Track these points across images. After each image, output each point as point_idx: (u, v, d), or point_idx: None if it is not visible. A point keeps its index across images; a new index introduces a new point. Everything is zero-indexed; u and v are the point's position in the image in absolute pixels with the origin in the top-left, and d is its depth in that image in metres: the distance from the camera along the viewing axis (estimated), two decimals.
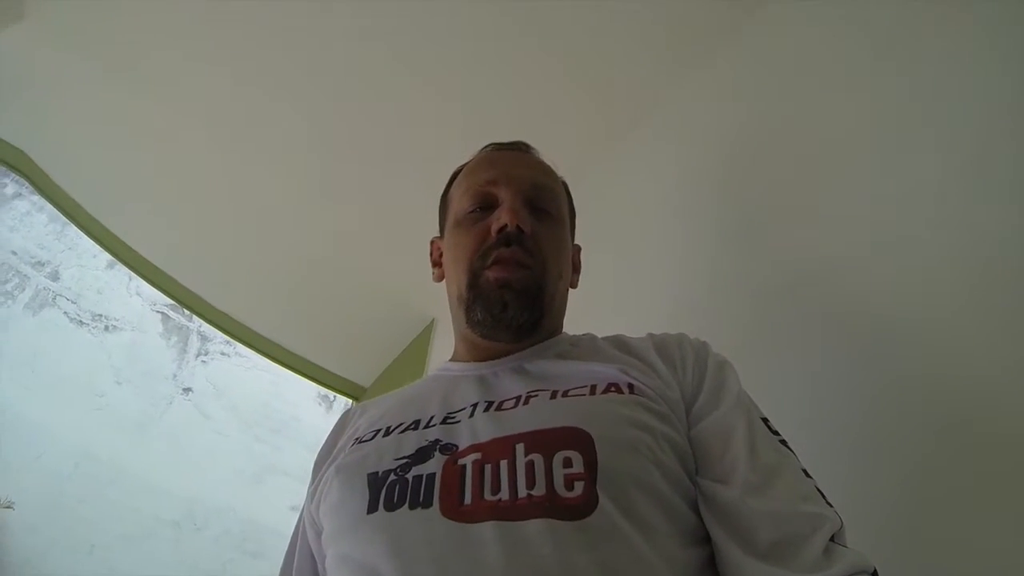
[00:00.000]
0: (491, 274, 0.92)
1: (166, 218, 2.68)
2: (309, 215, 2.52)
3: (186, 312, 4.15)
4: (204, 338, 5.66)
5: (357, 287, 2.81)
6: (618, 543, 0.66)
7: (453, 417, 0.84)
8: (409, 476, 0.75)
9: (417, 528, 0.69)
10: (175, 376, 5.60)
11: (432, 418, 0.86)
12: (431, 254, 1.16)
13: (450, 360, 1.05)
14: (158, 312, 5.60)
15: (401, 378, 2.98)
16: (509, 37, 1.85)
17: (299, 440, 5.79)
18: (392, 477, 0.76)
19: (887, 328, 1.06)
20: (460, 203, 1.04)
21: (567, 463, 0.71)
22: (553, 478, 0.70)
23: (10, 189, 5.56)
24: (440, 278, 1.11)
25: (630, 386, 0.83)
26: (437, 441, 0.79)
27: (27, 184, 2.68)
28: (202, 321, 3.33)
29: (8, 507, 4.69)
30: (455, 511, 0.69)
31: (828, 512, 0.70)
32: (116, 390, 5.36)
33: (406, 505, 0.72)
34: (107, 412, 5.26)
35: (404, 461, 0.78)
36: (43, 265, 5.49)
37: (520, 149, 1.12)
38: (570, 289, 1.09)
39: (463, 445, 0.77)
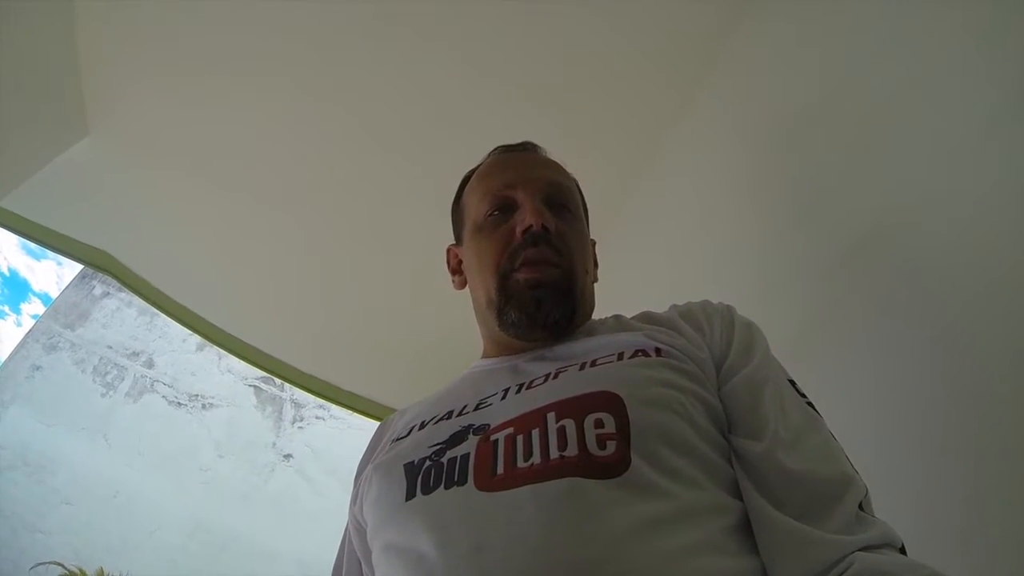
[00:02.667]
0: (521, 276, 0.93)
1: (246, 293, 2.79)
2: (383, 269, 2.60)
3: (277, 382, 4.28)
4: (297, 405, 5.81)
5: (434, 334, 2.86)
6: (657, 498, 0.66)
7: (486, 402, 0.86)
8: (444, 460, 0.77)
9: (453, 505, 0.71)
10: (274, 444, 5.75)
11: (465, 407, 0.88)
12: (448, 263, 1.15)
13: (480, 359, 1.04)
14: (250, 386, 5.80)
15: None
16: (545, 54, 1.85)
17: None
18: (427, 463, 0.78)
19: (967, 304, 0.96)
20: (478, 208, 1.04)
21: (599, 424, 0.71)
22: (586, 439, 0.70)
23: (98, 290, 5.90)
24: (461, 286, 1.12)
25: (657, 350, 0.84)
26: (470, 425, 0.81)
27: (114, 282, 2.84)
28: (293, 389, 3.43)
29: None
30: (488, 483, 0.70)
31: (856, 477, 0.70)
32: (219, 463, 5.55)
33: (442, 486, 0.73)
34: (213, 485, 5.45)
35: (438, 447, 0.79)
36: (138, 355, 5.78)
37: (529, 149, 1.12)
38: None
39: (495, 423, 0.79)
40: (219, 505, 5.36)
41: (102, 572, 4.70)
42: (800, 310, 1.24)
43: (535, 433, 0.72)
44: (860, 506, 0.66)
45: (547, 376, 0.85)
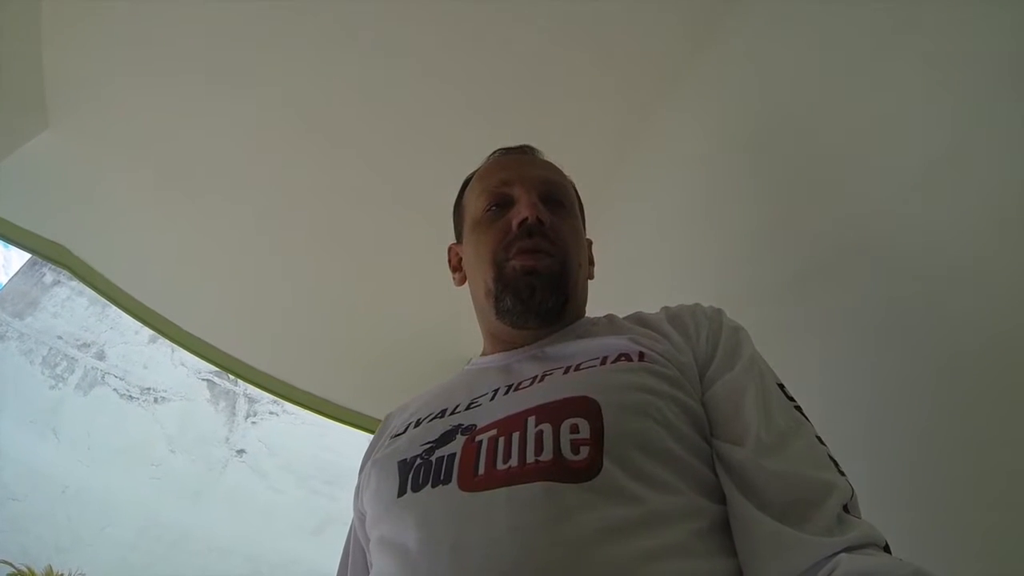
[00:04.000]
0: (516, 263, 0.96)
1: (202, 289, 2.78)
2: (341, 269, 2.61)
3: (231, 376, 4.25)
4: (251, 400, 5.76)
5: (397, 334, 2.87)
6: (625, 502, 0.67)
7: (476, 402, 0.89)
8: (432, 458, 0.80)
9: (438, 504, 0.74)
10: (227, 439, 5.70)
11: (458, 406, 0.91)
12: (449, 260, 1.17)
13: (479, 356, 1.07)
14: (204, 380, 5.73)
15: None
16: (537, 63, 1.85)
17: (354, 488, 5.83)
18: (418, 461, 0.81)
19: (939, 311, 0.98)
20: (476, 205, 1.07)
21: (574, 429, 0.73)
22: (560, 444, 0.71)
23: (48, 277, 5.77)
24: (461, 282, 1.14)
25: (640, 354, 0.85)
26: (459, 425, 0.84)
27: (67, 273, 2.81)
28: (247, 384, 3.42)
29: None
30: (470, 483, 0.73)
31: (840, 481, 0.69)
32: (171, 458, 5.48)
33: (429, 484, 0.76)
34: (165, 480, 5.38)
35: (429, 445, 0.83)
36: (89, 346, 5.67)
37: (526, 151, 1.15)
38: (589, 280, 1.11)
39: (481, 424, 0.81)
40: (171, 501, 5.30)
41: (51, 571, 4.61)
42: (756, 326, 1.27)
43: (515, 436, 0.75)
44: (846, 508, 0.66)
45: (534, 379, 0.87)
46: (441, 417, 0.88)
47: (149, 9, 1.83)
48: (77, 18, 1.87)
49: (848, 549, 0.60)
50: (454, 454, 0.76)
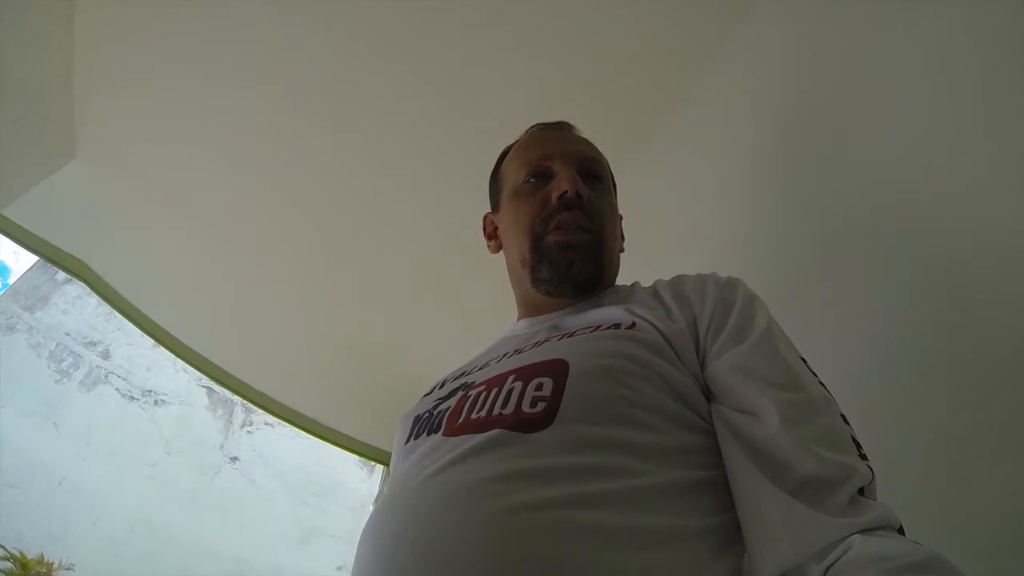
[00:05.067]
0: (553, 238, 0.98)
1: (208, 310, 2.90)
2: (337, 310, 2.74)
3: None
4: (248, 409, 5.79)
5: (382, 368, 2.99)
6: (563, 454, 0.69)
7: (488, 364, 0.96)
8: (436, 411, 0.89)
9: (426, 448, 0.79)
10: (222, 446, 5.72)
11: (475, 367, 0.99)
12: (484, 229, 1.19)
13: (516, 322, 1.12)
14: (204, 387, 5.78)
15: None
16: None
17: (343, 503, 5.79)
18: (427, 414, 0.90)
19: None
20: (516, 176, 1.09)
21: (538, 387, 0.76)
22: (523, 399, 0.75)
23: (61, 275, 5.81)
24: (496, 250, 1.16)
25: (632, 323, 0.86)
26: (464, 383, 0.92)
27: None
28: None
29: (69, 568, 4.89)
30: (451, 430, 0.78)
31: (860, 464, 0.67)
32: (167, 460, 5.52)
33: (426, 433, 0.86)
34: (159, 481, 5.43)
35: (438, 401, 0.92)
36: (95, 345, 5.72)
37: (564, 127, 1.19)
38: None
39: (478, 381, 0.86)
40: (163, 502, 5.35)
41: (42, 558, 4.70)
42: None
43: (495, 391, 0.79)
44: (862, 491, 0.64)
45: (536, 344, 0.90)
46: (459, 378, 0.97)
47: (170, 49, 1.98)
48: (102, 51, 2.01)
49: (863, 531, 0.59)
50: (449, 407, 0.84)
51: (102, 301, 3.10)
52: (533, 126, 1.20)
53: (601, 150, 1.20)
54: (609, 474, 0.68)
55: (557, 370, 0.78)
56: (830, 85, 1.43)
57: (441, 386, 1.01)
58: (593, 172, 1.06)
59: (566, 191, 0.99)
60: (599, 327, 0.89)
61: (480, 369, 0.93)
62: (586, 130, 1.25)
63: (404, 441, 0.88)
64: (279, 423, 4.87)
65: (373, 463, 3.79)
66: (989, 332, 0.88)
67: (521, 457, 0.68)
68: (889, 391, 0.87)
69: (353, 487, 5.96)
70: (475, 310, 2.40)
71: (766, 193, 1.50)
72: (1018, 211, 0.89)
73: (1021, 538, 0.74)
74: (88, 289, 2.92)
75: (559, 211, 0.97)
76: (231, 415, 5.90)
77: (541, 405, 0.73)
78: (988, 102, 1.04)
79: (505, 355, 0.93)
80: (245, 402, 3.70)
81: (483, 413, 0.76)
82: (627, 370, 0.76)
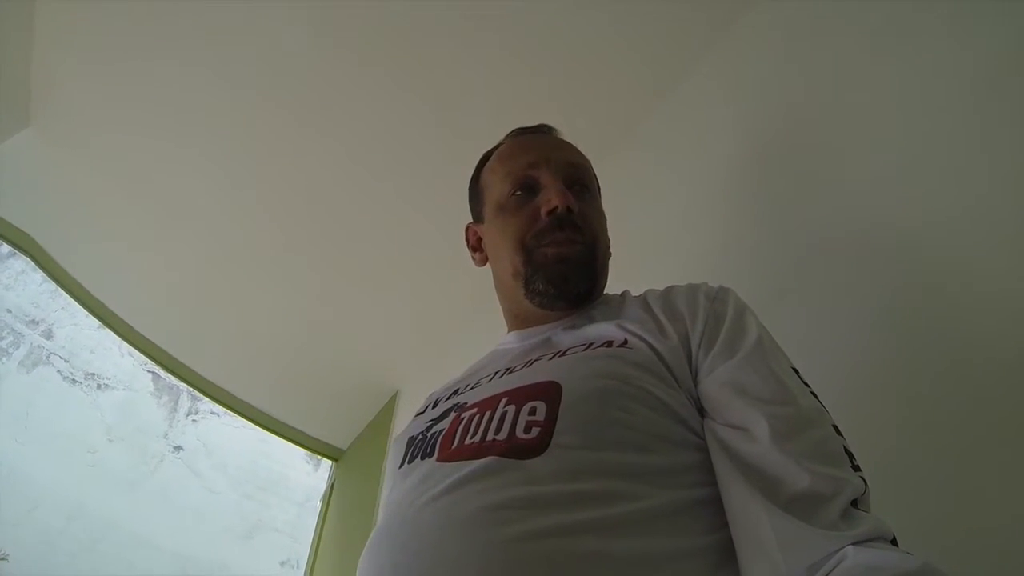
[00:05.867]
0: (549, 251, 0.99)
1: (158, 294, 2.84)
2: (291, 303, 2.71)
3: None
4: (194, 398, 5.66)
5: (333, 364, 3.00)
6: (562, 482, 0.68)
7: (479, 383, 0.95)
8: (429, 433, 0.87)
9: (419, 472, 0.80)
10: (166, 435, 5.58)
11: (467, 385, 0.97)
12: (467, 240, 1.18)
13: (506, 334, 1.11)
14: (149, 372, 5.64)
15: (373, 442, 3.13)
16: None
17: (288, 497, 5.68)
18: (420, 436, 0.88)
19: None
20: (501, 188, 1.07)
21: (532, 411, 0.75)
22: (517, 424, 0.75)
23: (6, 248, 5.62)
24: (482, 263, 1.16)
25: (624, 341, 0.86)
26: (457, 403, 0.90)
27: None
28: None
29: (2, 559, 4.65)
30: (445, 455, 0.78)
31: (852, 476, 0.67)
32: (108, 447, 5.35)
33: (419, 457, 0.84)
34: (99, 468, 5.24)
35: (430, 422, 0.91)
36: (37, 324, 5.53)
37: (544, 131, 1.16)
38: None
39: (470, 403, 0.87)
40: (103, 491, 5.15)
41: None
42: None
43: (487, 415, 0.79)
44: (855, 503, 0.65)
45: (526, 363, 0.91)
46: (450, 397, 0.97)
47: (133, 19, 1.92)
48: (70, 22, 1.94)
49: (855, 543, 0.59)
50: (442, 429, 0.84)
51: (47, 278, 3.02)
52: (513, 131, 1.20)
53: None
54: (605, 500, 0.67)
55: (550, 394, 0.77)
56: (808, 103, 1.46)
57: (434, 406, 1.02)
58: (580, 180, 1.08)
59: (556, 206, 0.99)
60: (591, 345, 0.88)
61: (471, 389, 0.96)
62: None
63: (398, 465, 0.90)
64: (226, 413, 4.83)
65: (320, 457, 3.75)
66: (959, 364, 0.95)
67: (516, 485, 0.68)
68: (849, 415, 0.89)
69: (299, 481, 5.87)
70: (429, 312, 2.40)
71: (739, 208, 1.52)
72: (994, 237, 0.94)
73: (995, 549, 0.80)
74: (33, 264, 2.83)
75: (551, 228, 0.99)
76: (176, 403, 5.78)
77: (535, 431, 0.73)
78: (969, 131, 1.09)
79: (496, 373, 0.97)
80: (192, 390, 3.64)
81: (476, 439, 0.76)
82: (621, 392, 0.77)
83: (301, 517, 5.17)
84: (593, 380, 0.79)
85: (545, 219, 1.01)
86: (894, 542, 0.63)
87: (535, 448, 0.70)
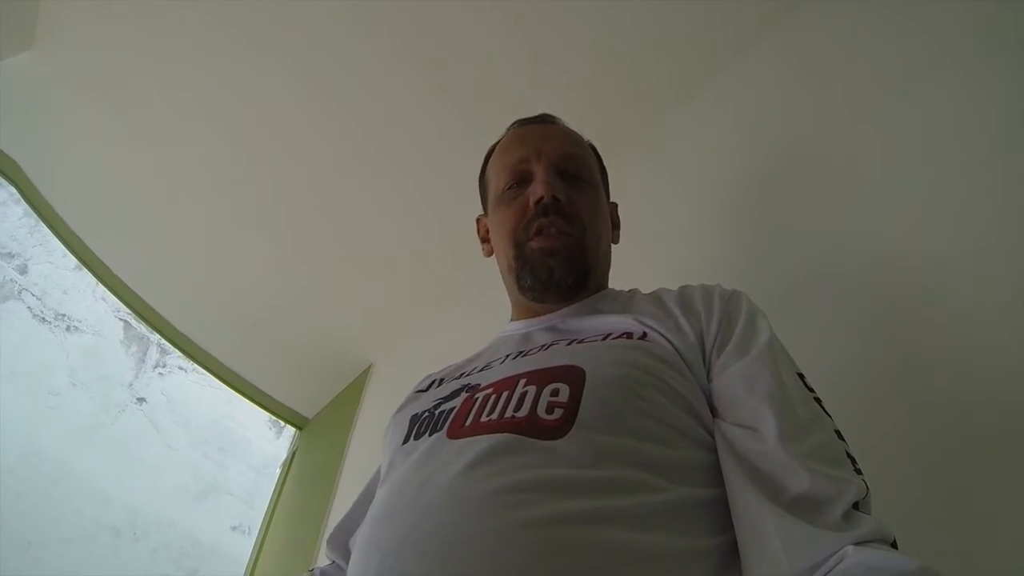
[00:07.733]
0: (535, 244, 1.02)
1: (141, 240, 2.80)
2: (272, 265, 2.68)
3: None
4: (163, 351, 5.61)
5: (308, 331, 2.98)
6: (579, 467, 0.69)
7: (490, 365, 0.95)
8: (437, 411, 0.85)
9: (426, 449, 0.79)
10: (131, 385, 5.52)
11: (475, 368, 0.97)
12: (478, 231, 1.23)
13: (509, 322, 1.12)
14: (121, 320, 5.57)
15: (340, 414, 3.11)
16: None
17: (246, 461, 5.62)
18: (426, 414, 0.87)
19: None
20: (497, 181, 1.13)
21: (554, 392, 0.77)
22: (538, 404, 0.76)
23: None
24: (489, 253, 1.20)
25: (644, 334, 0.89)
26: (467, 384, 0.90)
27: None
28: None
29: None
30: (456, 431, 0.79)
31: (854, 479, 0.71)
32: (71, 391, 5.27)
33: (427, 433, 0.82)
34: (59, 412, 5.15)
35: (438, 401, 0.89)
36: (12, 257, 5.43)
37: (545, 121, 1.18)
38: (612, 245, 1.14)
39: (484, 383, 0.86)
40: (60, 435, 5.06)
41: None
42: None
43: (505, 394, 0.80)
44: (856, 505, 0.68)
45: (542, 347, 0.94)
46: (459, 377, 0.97)
47: None
48: None
49: (856, 543, 0.62)
50: (453, 407, 0.86)
51: (28, 212, 2.96)
52: (515, 122, 1.24)
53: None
54: (626, 489, 0.68)
55: (573, 377, 0.78)
56: (814, 134, 1.46)
57: (439, 384, 1.02)
58: (572, 170, 1.10)
59: (541, 197, 1.04)
60: (609, 335, 0.90)
61: (482, 371, 0.97)
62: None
63: (402, 441, 0.90)
64: (193, 369, 4.79)
65: (284, 424, 3.73)
66: (940, 407, 0.98)
67: (536, 467, 0.68)
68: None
69: (260, 447, 5.80)
70: (412, 290, 2.38)
71: (737, 228, 1.54)
72: (989, 279, 0.96)
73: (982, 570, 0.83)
74: (15, 195, 2.77)
75: (537, 216, 1.01)
76: (145, 354, 5.70)
77: (558, 412, 0.73)
78: (974, 180, 1.13)
79: (508, 356, 0.99)
80: (162, 341, 3.59)
81: (494, 416, 0.77)
82: (643, 381, 0.79)
83: (258, 484, 5.11)
84: (617, 367, 0.80)
85: (533, 210, 1.03)
86: (894, 545, 0.65)
87: (558, 429, 0.71)
